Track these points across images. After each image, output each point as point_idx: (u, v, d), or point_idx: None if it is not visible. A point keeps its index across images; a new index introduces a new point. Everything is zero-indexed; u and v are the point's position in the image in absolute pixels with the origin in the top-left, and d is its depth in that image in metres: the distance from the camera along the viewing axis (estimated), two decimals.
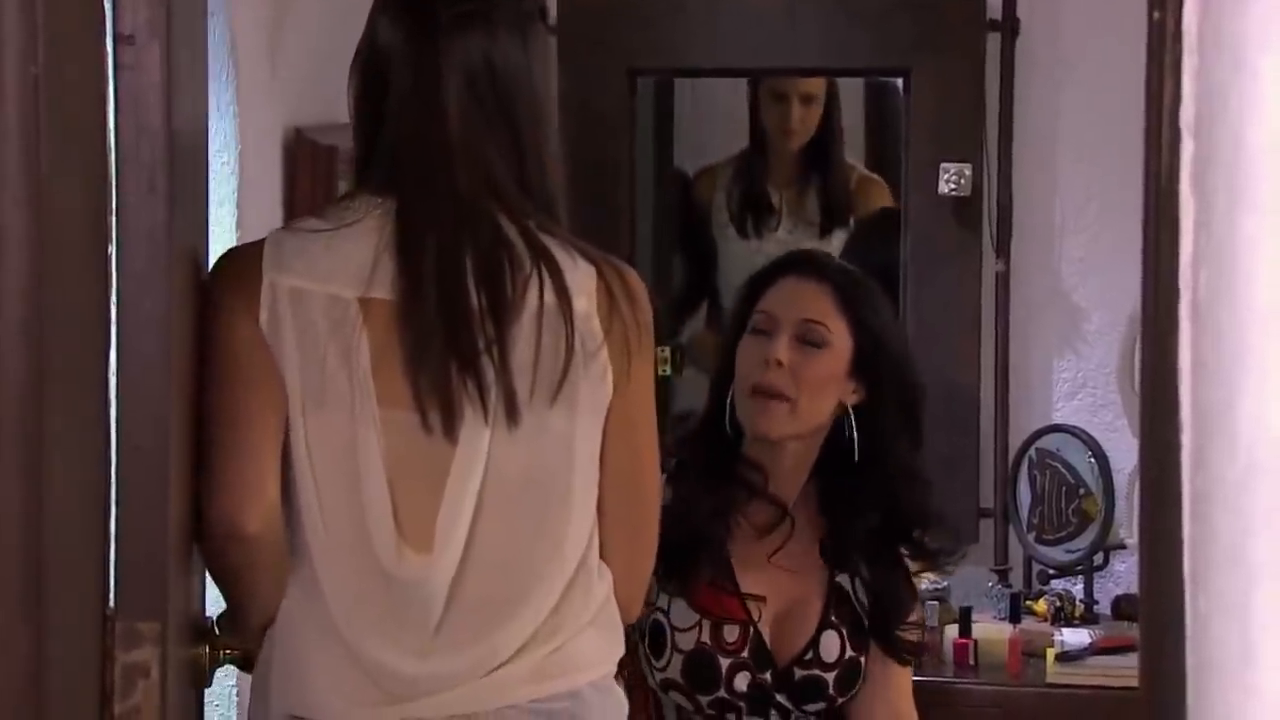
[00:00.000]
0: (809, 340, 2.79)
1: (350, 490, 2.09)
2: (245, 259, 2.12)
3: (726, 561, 2.81)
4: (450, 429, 2.08)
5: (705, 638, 2.78)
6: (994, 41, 4.12)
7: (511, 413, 2.08)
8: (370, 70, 2.17)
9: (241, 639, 2.17)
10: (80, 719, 1.82)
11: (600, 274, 2.14)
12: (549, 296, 2.09)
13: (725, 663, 2.78)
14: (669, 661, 2.78)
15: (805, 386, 2.78)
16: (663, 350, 4.29)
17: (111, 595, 1.87)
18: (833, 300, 2.81)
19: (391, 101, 2.13)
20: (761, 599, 2.81)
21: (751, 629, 2.80)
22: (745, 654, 2.79)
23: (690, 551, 2.76)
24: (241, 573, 2.13)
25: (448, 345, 2.07)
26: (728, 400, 2.83)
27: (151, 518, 1.90)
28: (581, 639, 2.16)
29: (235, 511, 2.07)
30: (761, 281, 2.89)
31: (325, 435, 2.09)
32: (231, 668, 2.27)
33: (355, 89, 2.18)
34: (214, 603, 2.23)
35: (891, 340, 2.86)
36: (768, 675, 2.80)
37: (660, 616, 2.78)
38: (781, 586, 2.84)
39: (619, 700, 2.24)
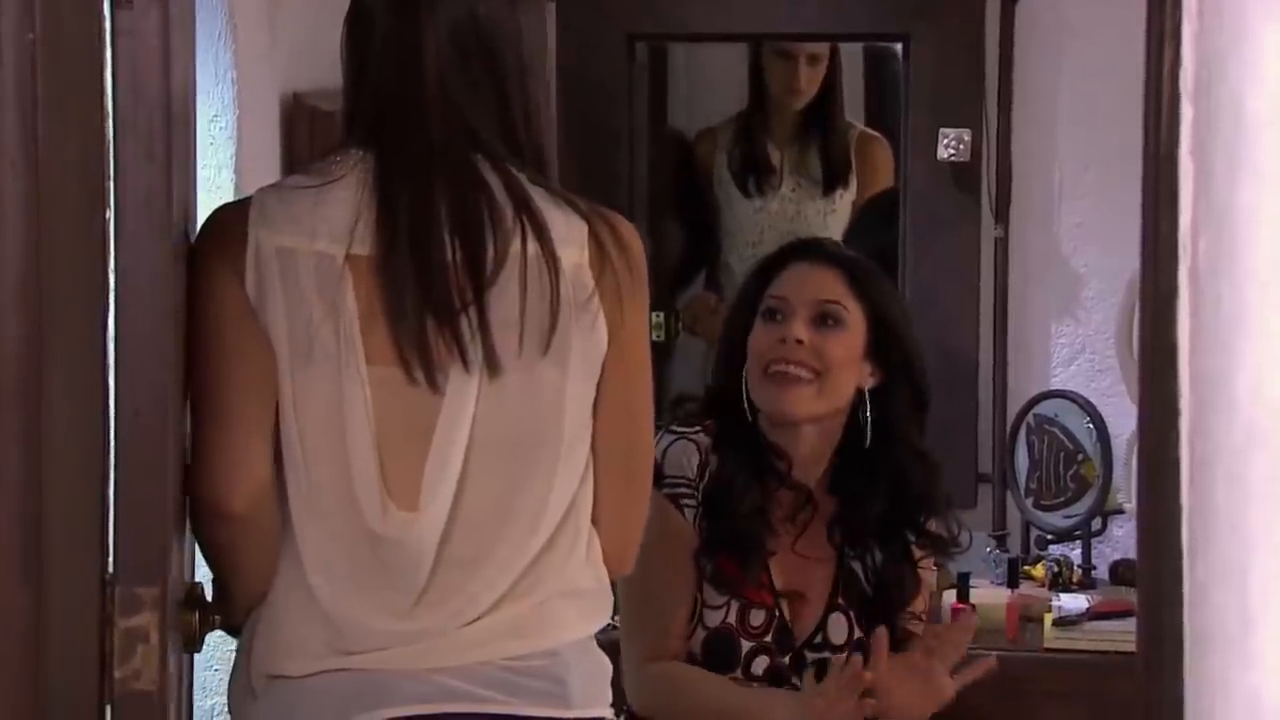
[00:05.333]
0: (827, 320, 2.80)
1: (336, 448, 2.06)
2: (231, 219, 2.09)
3: (766, 558, 2.82)
4: (434, 384, 2.05)
5: (731, 618, 2.79)
6: (994, 6, 4.10)
7: (493, 366, 2.05)
8: (356, 24, 2.16)
9: (229, 615, 2.13)
10: (80, 684, 1.82)
11: (590, 225, 2.12)
12: (532, 247, 2.07)
13: (746, 645, 2.79)
14: (692, 633, 2.78)
15: (829, 364, 2.78)
16: (656, 315, 4.28)
17: (111, 560, 1.88)
18: (846, 283, 2.82)
19: (374, 54, 2.12)
20: (801, 595, 2.82)
21: (777, 613, 2.81)
22: (768, 639, 2.80)
23: (735, 551, 2.77)
24: (227, 551, 2.10)
25: (423, 299, 2.04)
26: (743, 384, 2.83)
27: (151, 482, 1.89)
28: (564, 600, 2.12)
29: (221, 490, 2.04)
30: (770, 267, 2.89)
31: (312, 394, 2.06)
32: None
33: (343, 43, 2.17)
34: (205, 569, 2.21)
35: (903, 324, 2.86)
36: (786, 659, 2.81)
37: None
38: (798, 570, 2.85)
39: (602, 661, 2.19)
